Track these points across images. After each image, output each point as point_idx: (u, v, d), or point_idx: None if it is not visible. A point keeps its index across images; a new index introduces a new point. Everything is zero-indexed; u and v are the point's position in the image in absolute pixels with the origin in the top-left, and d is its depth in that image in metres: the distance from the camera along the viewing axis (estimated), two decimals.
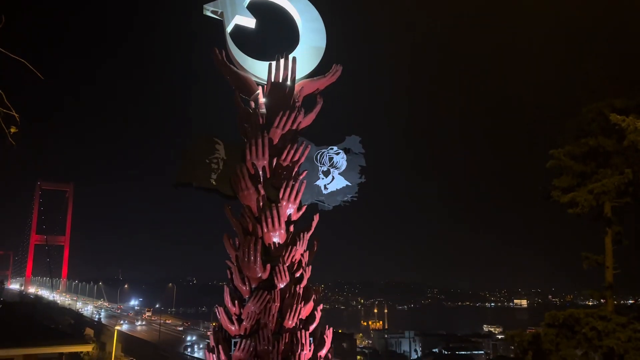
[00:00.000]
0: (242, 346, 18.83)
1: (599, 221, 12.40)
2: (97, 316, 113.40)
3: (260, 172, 19.47)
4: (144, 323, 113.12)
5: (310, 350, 19.41)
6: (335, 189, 21.01)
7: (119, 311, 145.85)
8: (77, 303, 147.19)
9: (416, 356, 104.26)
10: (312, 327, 20.15)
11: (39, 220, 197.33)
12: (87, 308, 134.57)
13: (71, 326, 76.80)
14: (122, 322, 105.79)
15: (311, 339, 19.76)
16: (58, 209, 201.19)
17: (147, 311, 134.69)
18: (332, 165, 20.83)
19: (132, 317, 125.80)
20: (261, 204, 19.48)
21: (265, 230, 20.11)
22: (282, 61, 19.35)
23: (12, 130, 4.73)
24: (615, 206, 12.04)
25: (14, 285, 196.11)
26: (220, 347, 19.29)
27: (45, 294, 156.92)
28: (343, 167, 20.74)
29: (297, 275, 20.52)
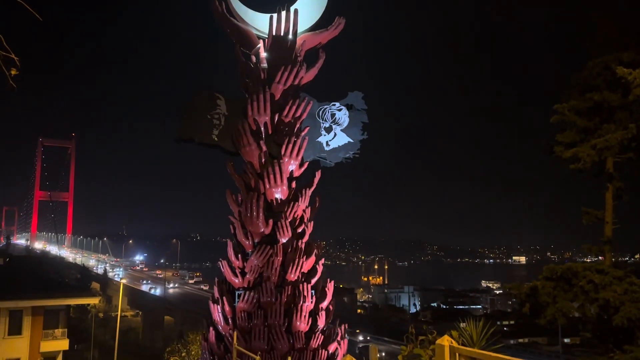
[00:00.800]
0: (245, 298, 19.29)
1: (601, 177, 12.43)
2: (117, 276, 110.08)
3: (262, 128, 19.41)
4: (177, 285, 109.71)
5: (312, 302, 19.88)
6: (337, 146, 20.98)
7: (143, 267, 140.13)
8: (90, 260, 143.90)
9: (415, 310, 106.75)
10: (313, 281, 20.57)
11: (42, 177, 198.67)
12: (100, 266, 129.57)
13: (77, 280, 78.47)
14: (143, 282, 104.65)
15: (313, 291, 20.20)
16: (61, 166, 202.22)
17: (196, 275, 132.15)
18: (334, 122, 20.72)
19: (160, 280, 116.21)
20: (263, 160, 19.51)
21: (268, 186, 20.24)
22: (283, 13, 18.94)
23: (13, 72, 4.69)
24: (617, 162, 12.04)
25: (20, 241, 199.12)
26: (224, 298, 19.76)
27: (52, 249, 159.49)
28: (345, 124, 20.63)
29: (299, 230, 20.78)
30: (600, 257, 12.49)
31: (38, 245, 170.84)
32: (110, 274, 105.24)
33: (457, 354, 4.34)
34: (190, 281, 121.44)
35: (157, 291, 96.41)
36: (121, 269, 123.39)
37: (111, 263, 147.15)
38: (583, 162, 11.16)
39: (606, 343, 10.52)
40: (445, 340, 4.42)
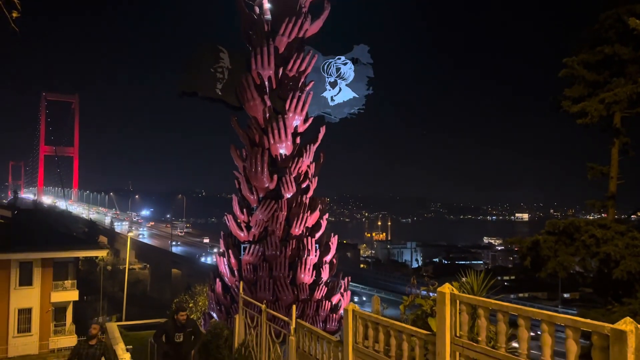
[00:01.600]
0: (251, 251, 19.61)
1: (608, 132, 12.32)
2: (142, 236, 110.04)
3: (266, 82, 19.18)
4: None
5: (316, 255, 20.20)
6: (342, 101, 20.75)
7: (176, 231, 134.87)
8: (99, 215, 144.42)
9: (417, 265, 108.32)
10: (317, 235, 20.82)
11: (46, 132, 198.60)
12: (106, 218, 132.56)
13: (85, 234, 79.66)
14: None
15: (317, 245, 20.50)
16: (65, 121, 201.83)
17: (187, 226, 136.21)
18: (340, 76, 20.41)
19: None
20: (267, 115, 19.37)
21: (272, 141, 20.19)
22: None
23: (14, 15, 4.60)
24: (625, 117, 11.90)
25: (28, 195, 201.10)
26: (230, 251, 20.08)
27: (60, 204, 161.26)
28: (350, 78, 20.31)
29: (304, 186, 20.87)
30: (603, 215, 12.52)
31: (47, 200, 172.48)
32: (123, 230, 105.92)
33: (457, 301, 4.42)
34: (180, 233, 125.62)
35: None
36: (145, 229, 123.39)
37: (120, 217, 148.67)
38: (590, 116, 11.03)
39: (605, 296, 10.69)
40: (447, 288, 4.49)
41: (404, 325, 5.34)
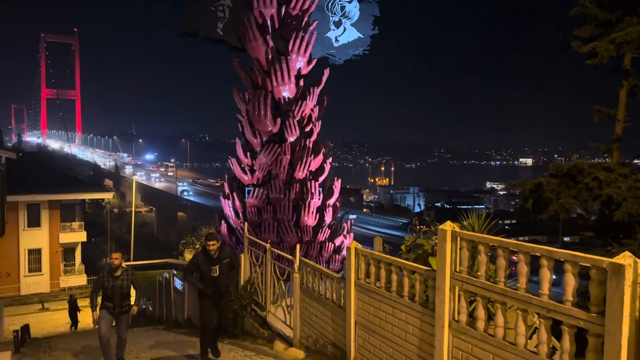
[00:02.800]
0: (255, 194, 19.81)
1: (617, 74, 12.08)
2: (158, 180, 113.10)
3: (268, 22, 18.69)
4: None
5: (319, 199, 20.41)
6: (346, 42, 20.27)
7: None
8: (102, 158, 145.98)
9: (419, 209, 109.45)
10: (321, 179, 20.94)
11: (47, 74, 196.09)
12: (110, 163, 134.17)
13: (90, 177, 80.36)
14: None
15: (320, 189, 20.66)
16: (66, 63, 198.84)
17: (170, 166, 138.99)
18: (344, 15, 19.83)
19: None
20: (270, 56, 19.01)
21: (275, 84, 19.92)
22: None
23: None
24: (635, 58, 11.62)
25: (31, 139, 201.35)
26: (234, 194, 20.28)
27: (65, 147, 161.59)
28: (355, 17, 19.75)
29: (307, 129, 20.78)
30: (607, 159, 12.47)
31: (55, 145, 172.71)
32: (128, 174, 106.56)
33: (458, 238, 4.47)
34: (166, 172, 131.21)
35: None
36: (158, 175, 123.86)
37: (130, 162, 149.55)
38: (600, 57, 10.77)
39: (605, 238, 10.83)
40: (448, 225, 4.54)
41: (405, 261, 5.46)
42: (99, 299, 7.61)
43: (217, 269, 7.24)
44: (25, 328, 14.21)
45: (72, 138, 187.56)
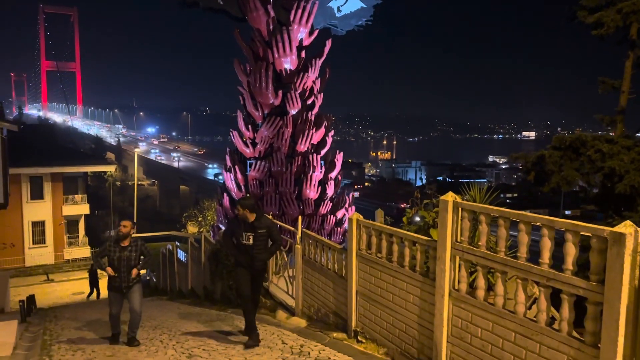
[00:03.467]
0: (257, 167, 19.82)
1: (623, 44, 11.91)
2: (178, 159, 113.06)
3: None
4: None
5: (321, 172, 20.42)
6: (349, 12, 19.96)
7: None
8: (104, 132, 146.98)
9: (421, 183, 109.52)
10: (323, 152, 20.91)
11: (47, 46, 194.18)
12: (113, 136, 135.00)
13: (92, 150, 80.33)
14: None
15: (322, 162, 20.65)
16: (65, 34, 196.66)
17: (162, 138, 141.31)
18: None
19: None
20: (271, 27, 18.76)
21: (276, 55, 19.70)
22: None
23: None
24: None
25: (32, 111, 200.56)
26: (236, 167, 20.30)
27: (64, 119, 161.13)
28: None
29: (309, 102, 20.64)
30: (611, 132, 12.40)
31: (58, 119, 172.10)
32: (130, 147, 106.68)
33: (460, 209, 4.48)
34: (155, 142, 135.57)
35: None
36: (178, 154, 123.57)
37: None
38: (606, 27, 10.60)
39: (606, 211, 10.84)
40: (449, 196, 4.54)
41: (406, 232, 5.48)
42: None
43: (251, 237, 6.43)
44: (31, 298, 14.42)
45: (73, 111, 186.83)
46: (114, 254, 6.85)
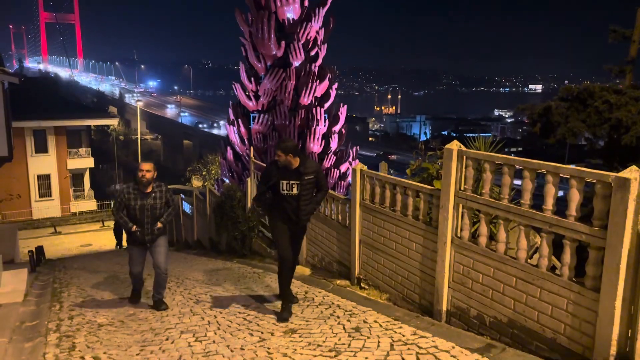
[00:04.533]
0: (260, 120, 19.71)
1: None
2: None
3: None
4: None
5: (325, 125, 20.30)
6: None
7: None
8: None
9: (425, 138, 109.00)
10: (326, 105, 20.73)
11: None
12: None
13: (94, 104, 79.87)
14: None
15: (326, 115, 20.51)
16: None
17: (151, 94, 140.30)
18: None
19: None
20: None
21: (279, 3, 19.24)
22: None
23: None
24: None
25: (33, 65, 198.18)
26: (239, 120, 20.20)
27: (65, 73, 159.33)
28: None
29: (312, 53, 20.30)
30: (619, 86, 12.18)
31: (63, 74, 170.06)
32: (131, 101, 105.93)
33: (464, 157, 4.47)
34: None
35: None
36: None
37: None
38: None
39: (612, 163, 10.80)
40: (454, 144, 4.52)
41: (410, 181, 5.50)
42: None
43: (296, 186, 5.24)
44: (40, 249, 14.66)
45: (73, 64, 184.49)
46: (135, 202, 5.79)
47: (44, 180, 33.41)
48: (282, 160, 5.21)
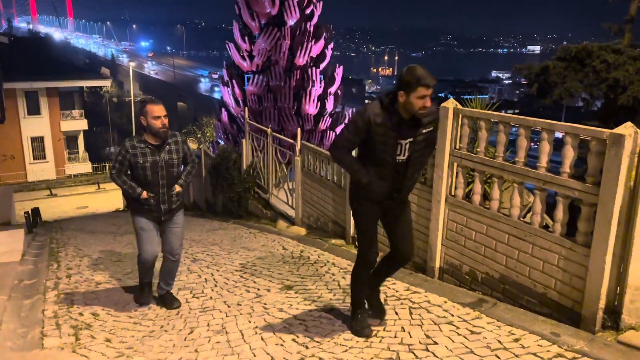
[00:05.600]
0: (255, 81, 19.47)
1: None
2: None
3: None
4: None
5: (320, 86, 20.08)
6: None
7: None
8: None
9: None
10: (322, 66, 20.44)
11: None
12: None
13: (86, 65, 78.47)
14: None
15: (321, 76, 20.25)
16: None
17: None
18: None
19: None
20: None
21: None
22: None
23: None
24: None
25: (21, 24, 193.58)
26: (234, 81, 19.95)
27: (57, 33, 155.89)
28: None
29: (308, 11, 19.87)
30: (619, 48, 12.04)
31: (49, 32, 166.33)
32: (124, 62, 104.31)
33: (460, 115, 4.45)
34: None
35: None
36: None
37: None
38: None
39: (608, 122, 10.78)
40: (450, 102, 4.49)
41: None
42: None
43: (408, 146, 3.33)
44: (36, 211, 14.70)
45: (64, 24, 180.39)
46: (144, 159, 4.24)
47: (38, 143, 33.18)
48: (404, 103, 3.22)
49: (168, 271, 4.62)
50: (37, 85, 31.71)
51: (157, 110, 4.26)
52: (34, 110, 32.39)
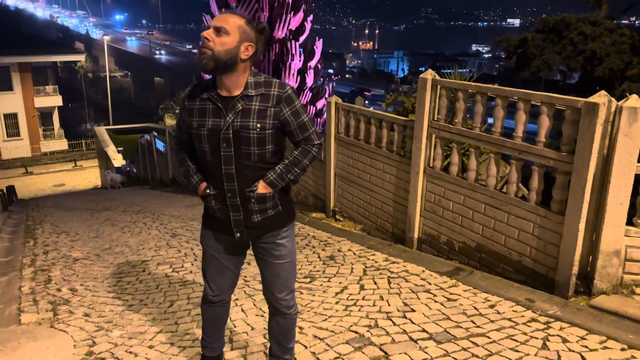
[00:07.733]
0: None
1: None
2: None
3: None
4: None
5: (300, 60, 19.85)
6: None
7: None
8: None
9: (402, 74, 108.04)
10: (302, 39, 20.14)
11: None
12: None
13: (60, 39, 76.31)
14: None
15: (301, 49, 20.00)
16: None
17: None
18: None
19: None
20: None
21: None
22: None
23: None
24: None
25: None
26: None
27: (27, 6, 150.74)
28: None
29: None
30: (599, 27, 12.08)
31: (19, 4, 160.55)
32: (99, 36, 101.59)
33: (438, 86, 4.45)
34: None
35: None
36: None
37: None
38: None
39: (585, 95, 10.89)
40: (429, 74, 4.48)
41: (385, 113, 5.49)
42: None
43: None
44: (11, 189, 14.44)
45: None
46: (200, 121, 2.23)
47: (11, 120, 32.32)
48: None
49: (276, 330, 2.61)
50: (8, 60, 30.71)
51: (214, 20, 2.14)
52: (6, 86, 31.43)
